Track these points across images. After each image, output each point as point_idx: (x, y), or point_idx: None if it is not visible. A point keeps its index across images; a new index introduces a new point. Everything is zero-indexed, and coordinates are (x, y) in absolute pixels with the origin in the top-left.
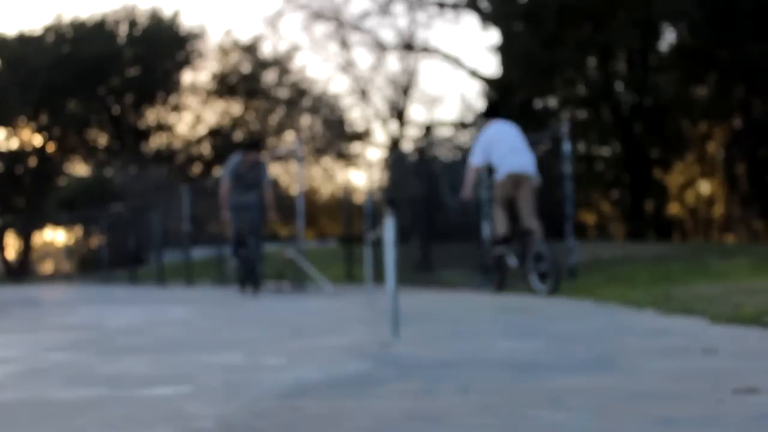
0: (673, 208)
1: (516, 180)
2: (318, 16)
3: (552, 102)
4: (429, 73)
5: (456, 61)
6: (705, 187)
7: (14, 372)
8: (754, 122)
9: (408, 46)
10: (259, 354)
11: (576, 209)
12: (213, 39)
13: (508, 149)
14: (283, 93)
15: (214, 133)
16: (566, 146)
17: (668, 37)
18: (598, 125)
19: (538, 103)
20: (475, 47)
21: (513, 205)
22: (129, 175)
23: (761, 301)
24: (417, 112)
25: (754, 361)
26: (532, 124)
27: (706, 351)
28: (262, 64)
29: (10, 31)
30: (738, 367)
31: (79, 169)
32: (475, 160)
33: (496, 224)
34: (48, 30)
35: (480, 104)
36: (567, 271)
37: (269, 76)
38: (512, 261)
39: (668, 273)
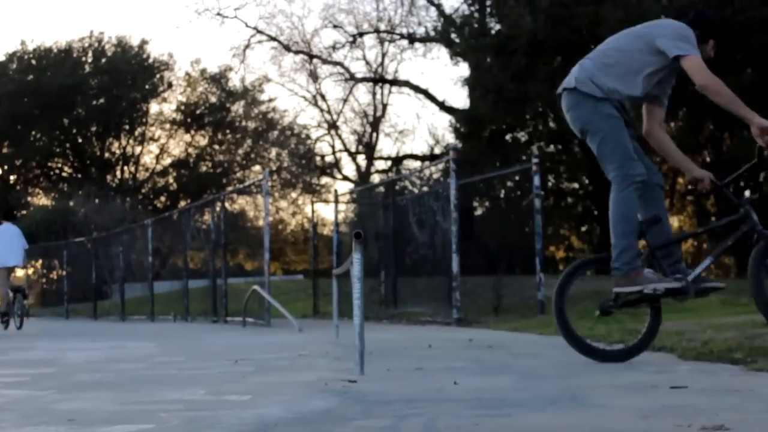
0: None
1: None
2: (287, 47)
3: (522, 135)
4: (398, 106)
5: (425, 94)
6: (675, 221)
7: None
8: (723, 156)
9: (377, 78)
10: (222, 390)
11: (545, 243)
12: (180, 69)
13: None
14: (251, 124)
15: (180, 165)
16: (536, 180)
17: None
18: (568, 159)
19: (507, 137)
20: (445, 80)
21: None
22: (92, 206)
23: (730, 337)
24: (386, 145)
25: (724, 397)
26: (501, 157)
27: (675, 387)
28: (229, 95)
29: None
30: (707, 404)
31: (41, 200)
32: None
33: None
34: (11, 57)
35: (449, 137)
36: (537, 306)
37: (237, 108)
38: None
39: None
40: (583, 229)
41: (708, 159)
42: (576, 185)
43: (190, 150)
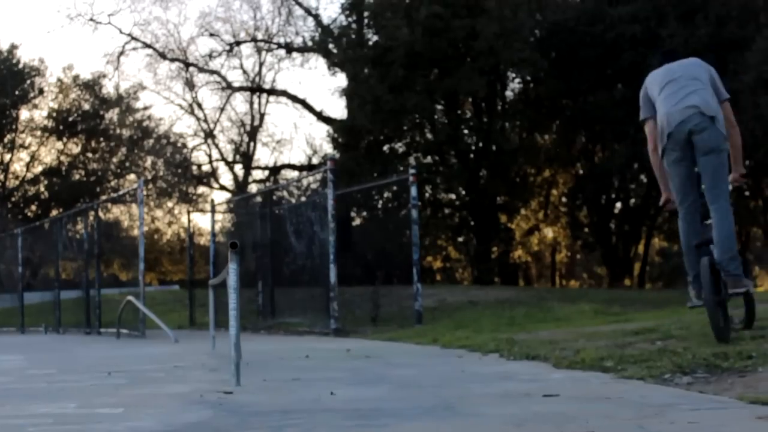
0: (519, 253)
1: None
2: (162, 55)
3: (399, 146)
4: (276, 116)
5: (303, 104)
6: (549, 232)
7: None
8: (596, 169)
9: (255, 87)
10: (94, 403)
11: (422, 254)
12: (52, 75)
13: None
14: (126, 132)
15: (52, 173)
16: (413, 191)
17: (514, 85)
18: (444, 170)
19: (385, 148)
20: (323, 90)
21: None
22: None
23: (602, 346)
24: (263, 155)
25: (594, 404)
26: (379, 168)
27: (548, 395)
28: (103, 102)
29: None
30: (578, 411)
31: None
32: None
33: None
34: None
35: (327, 147)
36: (414, 316)
37: (111, 115)
38: None
39: (513, 318)
40: (460, 239)
41: (581, 171)
42: (453, 196)
43: (63, 158)
